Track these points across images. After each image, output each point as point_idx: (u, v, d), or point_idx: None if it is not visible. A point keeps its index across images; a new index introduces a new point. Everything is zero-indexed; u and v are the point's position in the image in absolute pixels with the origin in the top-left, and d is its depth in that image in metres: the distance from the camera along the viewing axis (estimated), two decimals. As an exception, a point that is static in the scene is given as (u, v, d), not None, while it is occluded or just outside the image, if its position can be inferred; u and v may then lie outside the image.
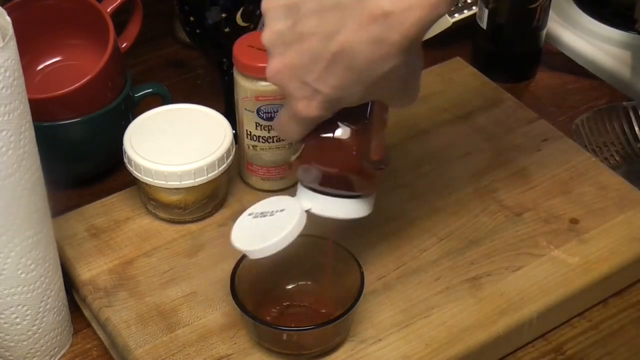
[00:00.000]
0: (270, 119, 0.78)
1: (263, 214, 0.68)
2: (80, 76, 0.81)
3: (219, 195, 0.81)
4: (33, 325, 0.70)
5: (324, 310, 0.71)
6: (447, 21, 1.03)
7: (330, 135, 0.63)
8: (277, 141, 0.80)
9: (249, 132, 0.80)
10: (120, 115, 0.86)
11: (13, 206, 0.63)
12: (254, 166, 0.83)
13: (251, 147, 0.81)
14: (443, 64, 0.99)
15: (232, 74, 0.79)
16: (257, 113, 0.78)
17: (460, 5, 1.04)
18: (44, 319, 0.70)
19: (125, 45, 0.94)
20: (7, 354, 0.71)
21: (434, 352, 0.70)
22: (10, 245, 0.64)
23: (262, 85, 0.76)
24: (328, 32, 0.56)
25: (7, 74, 0.58)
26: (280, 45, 0.59)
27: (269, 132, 0.79)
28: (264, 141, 0.80)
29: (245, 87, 0.77)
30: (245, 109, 0.79)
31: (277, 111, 0.72)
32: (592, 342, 0.75)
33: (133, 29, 0.95)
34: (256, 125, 0.79)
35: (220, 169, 0.79)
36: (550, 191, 0.83)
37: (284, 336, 0.68)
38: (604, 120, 0.94)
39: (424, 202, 0.82)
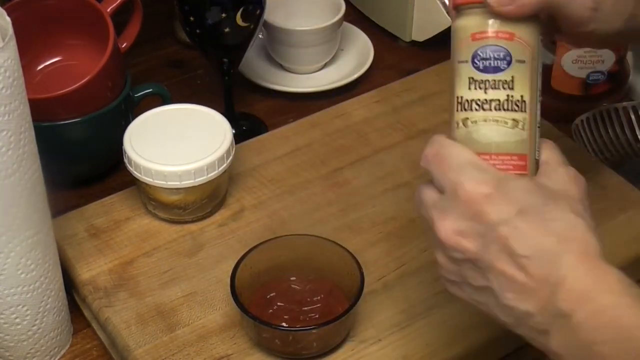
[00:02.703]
0: (490, 70, 0.58)
1: None
2: (80, 76, 0.81)
3: (219, 195, 0.81)
4: (33, 325, 0.70)
5: (324, 310, 0.71)
6: (447, 21, 1.03)
7: None
8: (499, 109, 0.58)
9: (459, 99, 0.59)
10: (120, 115, 0.86)
11: (13, 206, 0.63)
12: None
13: (461, 124, 0.59)
14: (443, 64, 0.99)
15: (232, 74, 0.78)
16: (472, 61, 0.59)
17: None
18: (44, 319, 0.70)
19: (125, 45, 0.95)
20: (7, 354, 0.71)
21: (434, 352, 0.70)
22: (10, 245, 0.64)
23: (480, 17, 0.58)
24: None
25: (7, 74, 0.58)
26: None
27: (485, 93, 0.58)
28: (478, 107, 0.59)
29: (460, 26, 0.59)
30: (459, 61, 0.59)
31: (502, 58, 0.58)
32: (592, 342, 0.75)
33: (133, 29, 0.95)
34: (470, 83, 0.59)
35: (220, 169, 0.79)
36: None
37: (284, 336, 0.68)
38: (604, 120, 0.94)
39: (424, 202, 0.82)
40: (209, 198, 0.80)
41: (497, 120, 0.58)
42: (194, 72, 1.05)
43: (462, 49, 0.59)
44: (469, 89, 0.59)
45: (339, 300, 0.71)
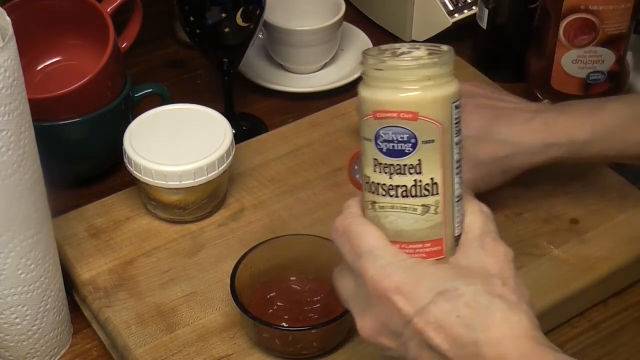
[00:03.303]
0: (394, 154, 0.52)
1: None
2: (80, 76, 0.81)
3: (219, 195, 0.81)
4: (33, 325, 0.70)
5: (324, 310, 0.71)
6: (447, 21, 1.03)
7: None
8: (406, 195, 0.53)
9: (367, 179, 0.54)
10: (120, 115, 0.86)
11: (13, 206, 0.63)
12: None
13: (370, 206, 0.55)
14: (443, 64, 0.99)
15: (232, 74, 0.78)
16: (376, 142, 0.53)
17: (460, 5, 1.04)
18: (44, 319, 0.70)
19: (125, 45, 0.95)
20: (7, 354, 0.71)
21: (434, 352, 0.69)
22: (10, 245, 0.64)
23: (383, 91, 0.52)
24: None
25: (7, 74, 0.58)
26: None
27: (391, 178, 0.53)
28: (384, 193, 0.54)
29: (363, 97, 0.54)
30: (363, 137, 0.54)
31: (406, 141, 0.52)
32: (592, 342, 0.75)
33: (133, 29, 0.95)
34: (374, 165, 0.53)
35: (220, 169, 0.79)
36: (550, 191, 0.83)
37: (284, 336, 0.68)
38: (604, 120, 0.94)
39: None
40: (209, 198, 0.80)
41: (405, 208, 0.53)
42: (194, 72, 1.05)
43: (365, 126, 0.53)
44: (374, 171, 0.53)
45: (339, 300, 0.71)
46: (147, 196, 0.80)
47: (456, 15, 1.04)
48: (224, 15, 0.84)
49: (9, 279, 0.66)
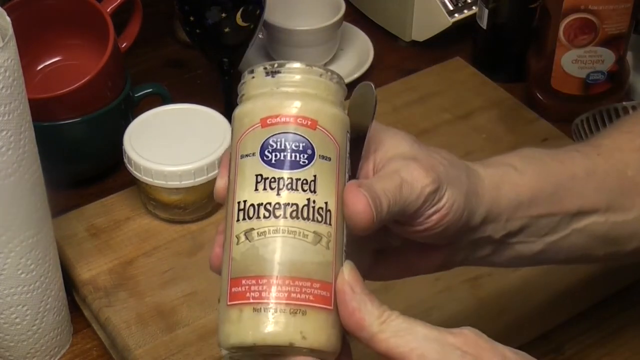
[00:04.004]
0: (285, 165, 0.45)
1: None
2: (80, 76, 0.81)
3: (219, 195, 0.81)
4: (33, 325, 0.70)
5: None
6: (447, 21, 1.03)
7: None
8: (296, 216, 0.45)
9: (241, 205, 0.45)
10: (120, 115, 0.86)
11: (13, 206, 0.63)
12: (247, 281, 0.45)
13: (243, 239, 0.45)
14: (443, 64, 0.99)
15: (232, 74, 0.78)
16: (262, 154, 0.45)
17: (460, 5, 1.04)
18: (44, 319, 0.70)
19: (125, 45, 0.95)
20: (7, 354, 0.71)
21: (434, 352, 0.69)
22: (10, 245, 0.64)
23: (277, 97, 0.47)
24: None
25: (7, 74, 0.58)
26: None
27: (279, 195, 0.45)
28: (268, 214, 0.45)
29: (245, 110, 0.48)
30: (241, 156, 0.46)
31: (302, 150, 0.45)
32: (592, 342, 0.75)
33: (133, 29, 0.95)
34: (257, 182, 0.45)
35: (220, 169, 0.79)
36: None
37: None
38: (603, 120, 0.94)
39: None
40: (209, 198, 0.80)
41: (293, 232, 0.44)
42: (194, 72, 1.05)
43: (247, 140, 0.45)
44: (256, 189, 0.45)
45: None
46: (147, 196, 0.80)
47: (456, 15, 1.04)
48: (224, 15, 0.84)
49: (9, 279, 0.66)
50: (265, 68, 0.48)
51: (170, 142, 0.80)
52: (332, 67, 1.04)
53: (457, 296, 0.73)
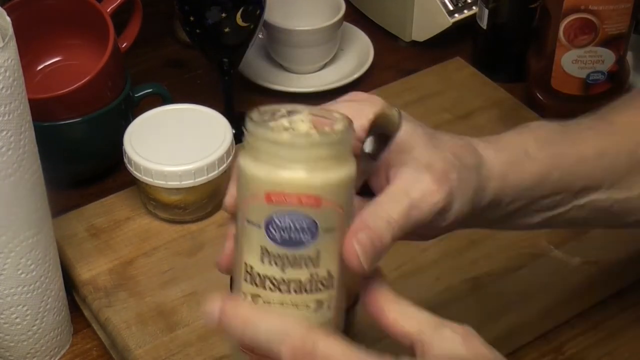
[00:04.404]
0: (290, 244, 0.45)
1: None
2: (80, 76, 0.81)
3: (219, 195, 0.81)
4: (33, 325, 0.70)
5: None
6: (447, 21, 1.03)
7: None
8: (299, 291, 0.46)
9: (249, 268, 0.47)
10: (120, 115, 0.86)
11: (13, 206, 0.63)
12: None
13: (249, 299, 0.47)
14: (443, 64, 0.99)
15: (232, 74, 0.78)
16: (267, 229, 0.45)
17: (460, 5, 1.04)
18: (44, 319, 0.70)
19: (125, 45, 0.95)
20: (7, 354, 0.71)
21: (434, 352, 0.69)
22: (10, 245, 0.64)
23: (280, 170, 0.45)
24: None
25: (7, 74, 0.58)
26: None
27: (283, 272, 0.46)
28: (273, 287, 0.46)
29: (251, 173, 0.45)
30: (248, 220, 0.46)
31: (305, 229, 0.45)
32: (592, 342, 0.75)
33: (133, 29, 0.95)
34: (263, 254, 0.46)
35: (220, 169, 0.79)
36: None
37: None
38: (604, 120, 0.94)
39: (424, 202, 0.82)
40: (209, 198, 0.80)
41: (296, 305, 0.46)
42: (194, 72, 1.05)
43: (253, 207, 0.45)
44: (262, 261, 0.45)
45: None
46: (147, 196, 0.80)
47: (456, 15, 1.04)
48: (224, 15, 0.84)
49: (9, 279, 0.66)
50: (271, 127, 0.46)
51: (170, 142, 0.80)
52: (332, 67, 1.04)
53: (457, 296, 0.73)
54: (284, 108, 0.47)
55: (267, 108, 0.47)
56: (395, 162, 0.52)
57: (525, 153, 0.57)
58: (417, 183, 0.51)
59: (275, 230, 0.45)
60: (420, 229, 0.52)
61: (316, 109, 0.48)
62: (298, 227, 0.45)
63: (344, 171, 0.46)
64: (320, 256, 0.46)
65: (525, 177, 0.56)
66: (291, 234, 0.45)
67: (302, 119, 0.47)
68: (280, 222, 0.44)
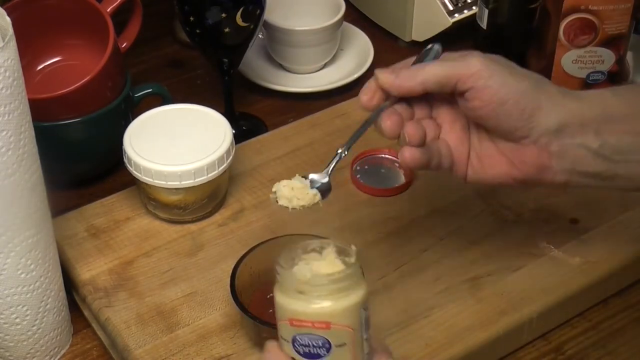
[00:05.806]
0: (310, 356, 0.57)
1: None
2: (80, 76, 0.81)
3: (219, 195, 0.81)
4: (33, 325, 0.70)
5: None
6: (447, 21, 1.03)
7: None
8: None
9: None
10: (120, 115, 0.86)
11: (13, 206, 0.63)
12: None
13: None
14: (443, 64, 0.99)
15: (232, 74, 0.78)
16: (293, 344, 0.57)
17: (460, 5, 1.04)
18: (44, 319, 0.70)
19: (125, 45, 0.95)
20: (7, 354, 0.71)
21: (434, 352, 0.70)
22: (10, 245, 0.64)
23: (297, 302, 0.57)
24: None
25: (7, 74, 0.58)
26: None
27: None
28: None
29: (280, 303, 0.58)
30: (282, 337, 0.59)
31: (320, 346, 0.57)
32: (592, 342, 0.75)
33: (133, 29, 0.95)
34: None
35: (220, 169, 0.79)
36: (550, 191, 0.83)
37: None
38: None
39: (424, 202, 0.82)
40: (209, 198, 0.80)
41: None
42: (194, 72, 1.05)
43: (283, 328, 0.58)
44: None
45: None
46: (147, 196, 0.80)
47: (456, 15, 1.04)
48: (224, 15, 0.84)
49: (9, 279, 0.66)
50: (294, 272, 0.57)
51: (170, 142, 0.80)
52: (332, 67, 1.04)
53: (457, 296, 0.73)
54: (310, 246, 0.59)
55: (294, 247, 0.59)
56: None
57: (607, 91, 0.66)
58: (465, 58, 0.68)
59: (299, 346, 0.57)
60: (467, 104, 0.64)
61: (333, 244, 0.58)
62: (315, 344, 0.56)
63: (351, 299, 0.56)
64: None
65: (606, 107, 0.64)
66: (311, 349, 0.57)
67: (328, 252, 0.58)
68: (301, 340, 0.57)
